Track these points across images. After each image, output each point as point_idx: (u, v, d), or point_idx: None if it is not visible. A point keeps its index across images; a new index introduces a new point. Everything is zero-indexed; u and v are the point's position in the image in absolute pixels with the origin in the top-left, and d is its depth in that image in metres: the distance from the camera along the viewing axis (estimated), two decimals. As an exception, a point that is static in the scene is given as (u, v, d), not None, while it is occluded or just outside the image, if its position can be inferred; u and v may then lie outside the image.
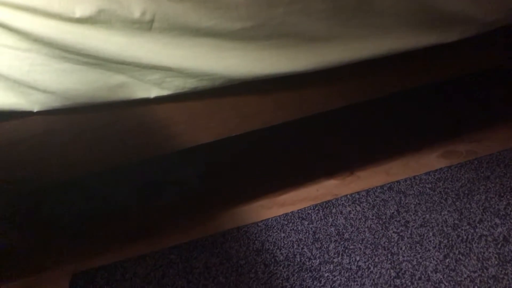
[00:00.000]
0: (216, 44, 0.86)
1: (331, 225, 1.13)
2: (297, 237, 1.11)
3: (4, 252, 1.21)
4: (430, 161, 1.32)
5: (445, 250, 1.02)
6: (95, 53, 0.80)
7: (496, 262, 0.98)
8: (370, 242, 1.07)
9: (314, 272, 1.01)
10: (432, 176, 1.25)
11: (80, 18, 0.77)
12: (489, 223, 1.08)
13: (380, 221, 1.12)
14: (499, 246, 1.02)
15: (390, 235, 1.08)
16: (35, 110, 0.84)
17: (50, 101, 0.83)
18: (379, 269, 1.00)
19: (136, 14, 0.80)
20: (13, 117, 0.84)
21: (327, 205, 1.20)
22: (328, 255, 1.05)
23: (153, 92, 0.89)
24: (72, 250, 1.20)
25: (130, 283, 1.05)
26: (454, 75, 1.10)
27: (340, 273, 1.00)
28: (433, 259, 1.01)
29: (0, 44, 0.77)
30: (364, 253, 1.05)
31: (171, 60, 0.85)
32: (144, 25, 0.81)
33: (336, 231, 1.11)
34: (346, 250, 1.06)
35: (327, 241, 1.09)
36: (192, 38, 0.84)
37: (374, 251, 1.05)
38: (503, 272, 0.96)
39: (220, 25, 0.84)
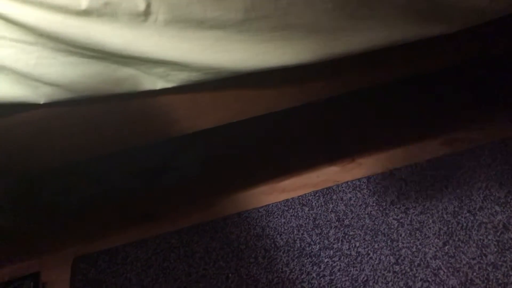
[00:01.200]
0: (222, 37, 0.85)
1: (332, 211, 1.14)
2: (297, 223, 1.12)
3: (5, 235, 1.22)
4: (432, 149, 1.32)
5: (444, 237, 1.03)
6: (100, 47, 0.80)
7: (495, 249, 0.98)
8: (370, 228, 1.08)
9: (314, 258, 1.02)
10: (433, 163, 1.25)
11: (86, 10, 0.77)
12: (489, 211, 1.08)
13: (381, 208, 1.13)
14: (498, 234, 1.02)
15: (390, 222, 1.08)
16: (42, 102, 0.84)
17: (56, 93, 0.84)
18: (378, 255, 1.01)
19: (141, 6, 0.79)
20: (19, 105, 0.84)
21: (327, 192, 1.20)
22: (328, 241, 1.06)
23: (159, 85, 0.89)
24: (73, 233, 1.21)
25: (131, 267, 1.06)
26: (457, 62, 1.09)
27: (339, 259, 1.01)
28: (433, 245, 1.01)
29: (7, 37, 0.77)
30: (364, 239, 1.05)
31: (177, 53, 0.84)
32: (149, 18, 0.81)
33: (336, 218, 1.12)
34: (346, 236, 1.06)
35: (327, 227, 1.09)
36: (198, 30, 0.84)
37: (374, 237, 1.05)
38: (501, 259, 0.96)
39: (224, 16, 0.83)
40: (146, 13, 0.80)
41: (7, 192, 1.36)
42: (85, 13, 0.78)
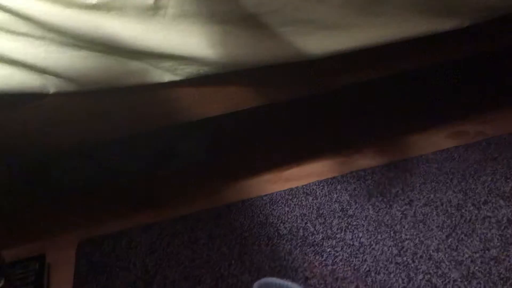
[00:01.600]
0: (231, 32, 0.85)
1: (335, 201, 1.14)
2: (301, 212, 1.12)
3: (12, 217, 1.23)
4: (438, 141, 1.31)
5: (448, 230, 1.03)
6: (109, 42, 0.80)
7: (498, 244, 0.98)
8: (373, 219, 1.08)
9: (316, 247, 1.03)
10: (439, 155, 1.24)
11: (96, 4, 0.77)
12: (494, 205, 1.08)
13: (385, 199, 1.13)
14: (502, 228, 1.02)
15: (393, 213, 1.09)
16: (51, 92, 0.85)
17: (65, 85, 0.85)
18: (381, 246, 1.01)
19: (151, 0, 0.79)
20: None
21: (332, 182, 1.20)
22: (331, 230, 1.06)
23: (166, 78, 0.89)
24: (79, 217, 1.22)
25: (135, 251, 1.07)
26: (465, 55, 1.08)
27: (342, 249, 1.01)
28: (436, 238, 1.01)
29: (16, 31, 0.78)
30: (367, 230, 1.05)
31: (186, 48, 0.84)
32: (158, 12, 0.80)
33: (340, 207, 1.12)
34: (349, 226, 1.07)
35: (330, 217, 1.10)
36: (206, 25, 0.83)
37: (377, 228, 1.05)
38: (504, 254, 0.96)
39: (234, 10, 0.83)
40: (155, 7, 0.80)
41: (14, 176, 1.37)
42: (95, 7, 0.77)
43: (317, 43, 0.90)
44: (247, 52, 0.87)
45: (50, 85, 0.84)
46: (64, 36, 0.79)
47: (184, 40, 0.84)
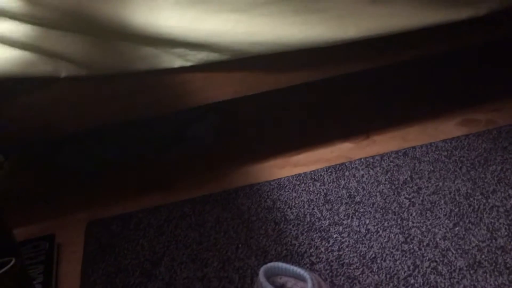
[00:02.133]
0: (243, 19, 0.84)
1: (343, 187, 1.14)
2: (308, 197, 1.12)
3: (21, 196, 1.25)
4: (448, 129, 1.30)
5: (455, 218, 1.03)
6: (121, 27, 0.80)
7: (505, 233, 0.98)
8: (381, 206, 1.08)
9: (323, 233, 1.03)
10: (449, 144, 1.24)
11: None
12: (502, 194, 1.07)
13: (393, 186, 1.13)
14: (510, 218, 1.01)
15: (401, 201, 1.09)
16: (62, 76, 0.85)
17: (77, 70, 0.85)
18: (387, 233, 1.01)
19: None
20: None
21: (340, 168, 1.20)
22: (338, 216, 1.06)
23: (177, 63, 0.89)
24: (89, 198, 1.23)
25: (144, 233, 1.08)
26: (479, 43, 1.07)
27: (348, 235, 1.02)
28: (443, 226, 1.01)
29: (28, 15, 0.78)
30: (374, 217, 1.05)
31: (197, 35, 0.84)
32: None
33: (347, 194, 1.12)
34: (356, 213, 1.07)
35: (338, 203, 1.10)
36: (219, 13, 0.83)
37: (384, 215, 1.05)
38: (511, 243, 0.96)
39: None
40: None
41: (24, 157, 1.38)
42: None
43: (329, 31, 0.89)
44: (257, 40, 0.87)
45: (62, 69, 0.84)
46: (76, 20, 0.79)
47: (196, 27, 0.83)
